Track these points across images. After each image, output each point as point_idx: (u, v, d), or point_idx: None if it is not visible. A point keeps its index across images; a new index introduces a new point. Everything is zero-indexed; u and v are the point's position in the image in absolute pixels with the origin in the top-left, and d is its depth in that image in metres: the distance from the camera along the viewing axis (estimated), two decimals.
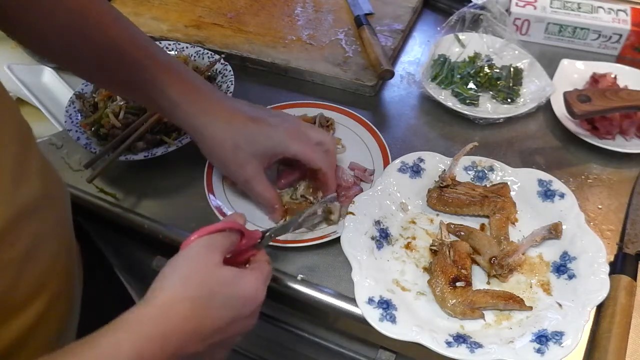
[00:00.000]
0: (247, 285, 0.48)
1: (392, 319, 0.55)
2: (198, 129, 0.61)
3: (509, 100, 0.80)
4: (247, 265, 0.54)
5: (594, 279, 0.57)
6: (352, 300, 0.58)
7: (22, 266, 0.45)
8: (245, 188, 0.66)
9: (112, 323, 0.41)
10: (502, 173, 0.68)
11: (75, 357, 0.39)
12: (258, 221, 0.66)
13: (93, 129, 0.76)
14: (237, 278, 0.47)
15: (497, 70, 0.82)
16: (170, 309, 0.43)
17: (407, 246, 0.64)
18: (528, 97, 0.80)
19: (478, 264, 0.62)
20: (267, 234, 0.56)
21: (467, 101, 0.80)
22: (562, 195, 0.65)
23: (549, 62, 0.83)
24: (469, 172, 0.69)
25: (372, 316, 0.55)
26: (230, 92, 0.78)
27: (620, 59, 0.87)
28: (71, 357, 0.39)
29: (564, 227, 0.62)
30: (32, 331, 0.47)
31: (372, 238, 0.63)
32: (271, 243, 0.63)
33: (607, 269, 0.57)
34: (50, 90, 0.87)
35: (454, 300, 0.57)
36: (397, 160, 0.69)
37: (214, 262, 0.46)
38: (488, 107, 0.80)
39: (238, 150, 0.61)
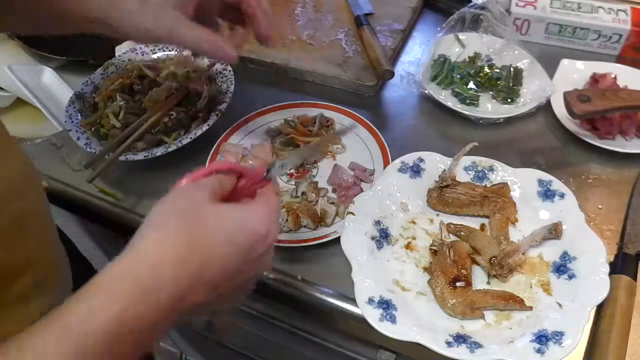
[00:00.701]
0: (253, 218, 0.42)
1: (392, 319, 0.55)
2: (104, 6, 0.56)
3: (509, 100, 0.80)
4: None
5: (594, 279, 0.57)
6: (352, 300, 0.58)
7: (8, 244, 0.43)
8: (173, 41, 0.58)
9: (87, 286, 0.36)
10: (502, 173, 0.68)
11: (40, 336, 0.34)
12: None
13: (93, 129, 0.76)
14: (241, 211, 0.42)
15: (497, 70, 0.82)
16: (161, 254, 0.37)
17: (407, 246, 0.64)
18: (528, 97, 0.80)
19: (478, 264, 0.62)
20: (275, 165, 0.50)
21: (467, 101, 0.80)
22: (562, 195, 0.64)
23: (549, 62, 0.83)
24: (469, 172, 0.69)
25: (372, 316, 0.55)
26: (231, 92, 0.78)
27: (620, 59, 0.86)
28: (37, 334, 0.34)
29: (564, 227, 0.62)
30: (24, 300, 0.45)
31: (372, 238, 0.63)
32: None
33: (607, 269, 0.57)
34: (50, 90, 0.88)
35: (454, 300, 0.57)
36: (397, 160, 0.69)
37: (211, 198, 0.42)
38: (488, 107, 0.80)
39: (148, 4, 0.56)
